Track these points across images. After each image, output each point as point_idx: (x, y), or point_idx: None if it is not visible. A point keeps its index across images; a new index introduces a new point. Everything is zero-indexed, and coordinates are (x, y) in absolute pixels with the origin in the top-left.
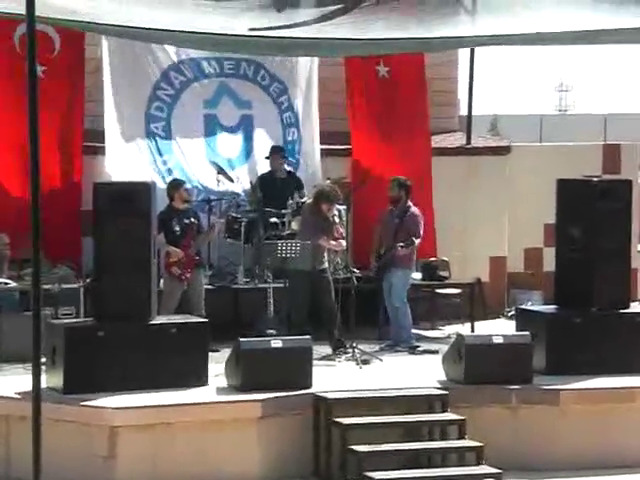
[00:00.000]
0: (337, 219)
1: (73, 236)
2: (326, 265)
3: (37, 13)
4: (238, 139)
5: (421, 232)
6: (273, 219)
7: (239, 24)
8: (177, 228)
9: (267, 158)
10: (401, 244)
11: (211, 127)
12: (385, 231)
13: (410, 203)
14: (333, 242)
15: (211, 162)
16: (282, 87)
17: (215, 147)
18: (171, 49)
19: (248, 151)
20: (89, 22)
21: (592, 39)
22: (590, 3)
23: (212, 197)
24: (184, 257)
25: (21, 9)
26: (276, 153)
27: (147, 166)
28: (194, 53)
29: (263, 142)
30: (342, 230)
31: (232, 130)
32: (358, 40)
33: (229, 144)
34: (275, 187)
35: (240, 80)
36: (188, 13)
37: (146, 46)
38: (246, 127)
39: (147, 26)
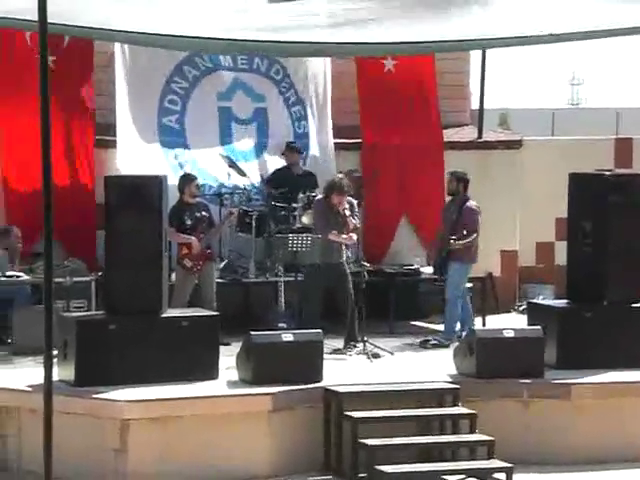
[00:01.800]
0: (348, 212)
1: (89, 230)
2: (344, 258)
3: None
4: (252, 132)
5: (478, 227)
6: (284, 213)
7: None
8: (188, 222)
9: (283, 154)
10: (454, 237)
11: (225, 120)
12: (444, 226)
13: (468, 196)
14: (344, 236)
15: (222, 155)
16: (289, 81)
17: (230, 140)
18: None
19: (263, 144)
20: (99, 29)
21: (607, 34)
22: None
23: (224, 191)
24: (197, 246)
25: (32, 15)
26: (291, 149)
27: (159, 160)
28: None
29: (275, 136)
30: (355, 221)
31: (246, 122)
32: (368, 44)
33: (243, 137)
34: (291, 182)
35: (253, 74)
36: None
37: None
38: (260, 120)
39: (160, 32)
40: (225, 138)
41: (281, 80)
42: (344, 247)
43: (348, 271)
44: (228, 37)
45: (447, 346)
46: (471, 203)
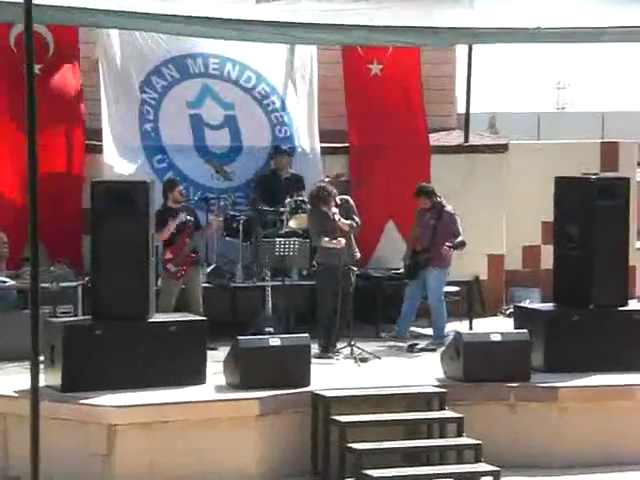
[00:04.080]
0: (337, 217)
1: (74, 234)
2: (351, 262)
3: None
4: (225, 137)
5: (460, 229)
6: (271, 217)
7: None
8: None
9: (272, 158)
10: (449, 244)
11: (198, 126)
12: (422, 231)
13: (443, 202)
14: (334, 241)
15: (208, 160)
16: (269, 88)
17: (204, 146)
18: (154, 52)
19: (236, 149)
20: (86, 9)
21: (594, 37)
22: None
23: (209, 195)
24: (181, 250)
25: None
26: (281, 153)
27: (143, 165)
28: (179, 51)
29: (251, 141)
30: (349, 222)
31: (217, 128)
32: (360, 27)
33: (216, 142)
34: (277, 186)
35: (222, 82)
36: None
37: (131, 51)
38: (231, 126)
39: (147, 11)
40: (199, 144)
41: (253, 87)
42: (355, 250)
43: (353, 279)
44: (219, 17)
45: (434, 350)
46: (448, 208)
